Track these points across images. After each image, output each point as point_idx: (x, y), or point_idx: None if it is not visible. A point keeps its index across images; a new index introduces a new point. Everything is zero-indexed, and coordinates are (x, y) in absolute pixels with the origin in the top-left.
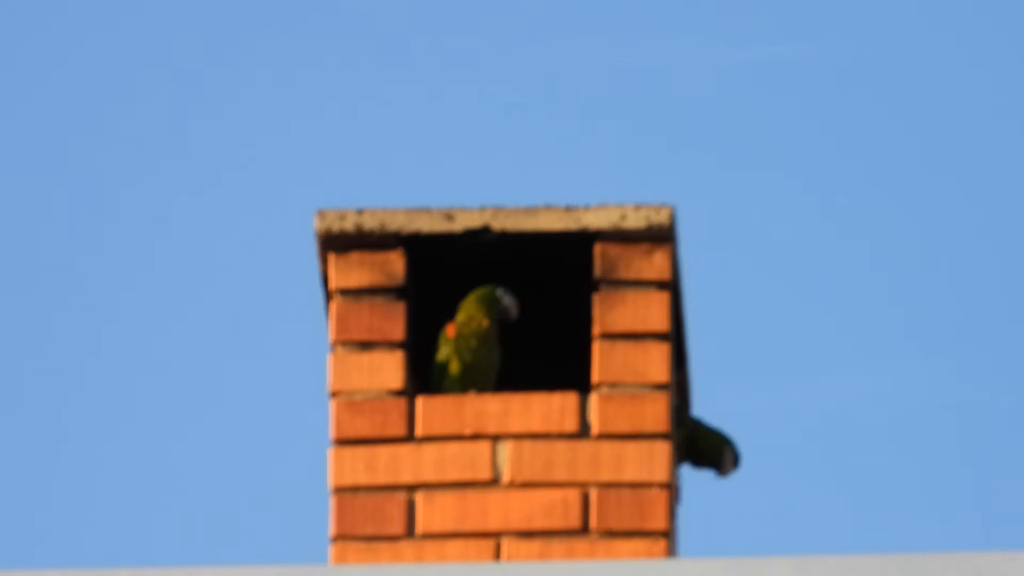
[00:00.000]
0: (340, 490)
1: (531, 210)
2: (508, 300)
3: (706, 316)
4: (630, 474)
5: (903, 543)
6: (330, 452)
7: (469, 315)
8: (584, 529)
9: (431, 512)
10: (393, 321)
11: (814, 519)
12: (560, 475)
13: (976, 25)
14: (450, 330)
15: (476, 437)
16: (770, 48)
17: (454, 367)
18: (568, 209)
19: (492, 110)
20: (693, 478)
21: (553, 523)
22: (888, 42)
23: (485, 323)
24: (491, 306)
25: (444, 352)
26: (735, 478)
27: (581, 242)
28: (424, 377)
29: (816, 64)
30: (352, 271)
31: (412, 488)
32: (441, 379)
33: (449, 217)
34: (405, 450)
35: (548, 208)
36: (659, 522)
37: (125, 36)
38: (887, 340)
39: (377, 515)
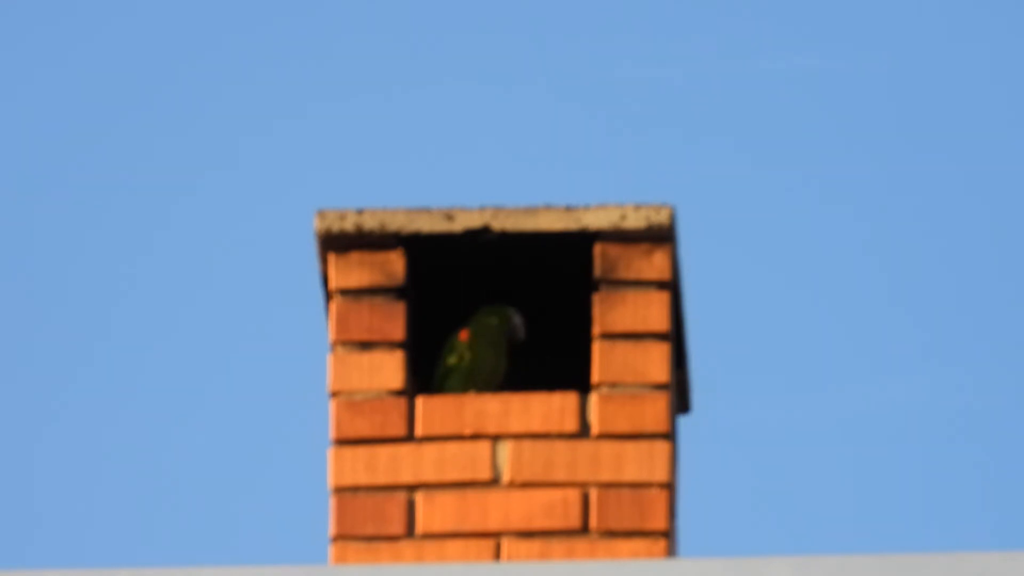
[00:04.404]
0: (340, 490)
1: (531, 210)
2: (517, 320)
3: (706, 316)
4: (630, 474)
5: (904, 543)
6: (330, 452)
7: (482, 323)
8: (584, 529)
9: (431, 512)
10: (393, 321)
11: (814, 519)
12: (560, 475)
13: (986, 35)
14: (463, 335)
15: (476, 437)
16: (772, 54)
17: (462, 370)
18: (568, 209)
19: (492, 110)
20: (694, 478)
21: (553, 523)
22: (897, 48)
23: (498, 333)
24: (503, 320)
25: (454, 356)
26: (737, 478)
27: (581, 242)
28: (423, 378)
29: (823, 71)
30: (352, 271)
31: (412, 488)
32: (444, 381)
33: (449, 217)
34: (405, 450)
35: (548, 208)
36: (659, 522)
37: (124, 35)
38: (885, 343)
39: (377, 515)
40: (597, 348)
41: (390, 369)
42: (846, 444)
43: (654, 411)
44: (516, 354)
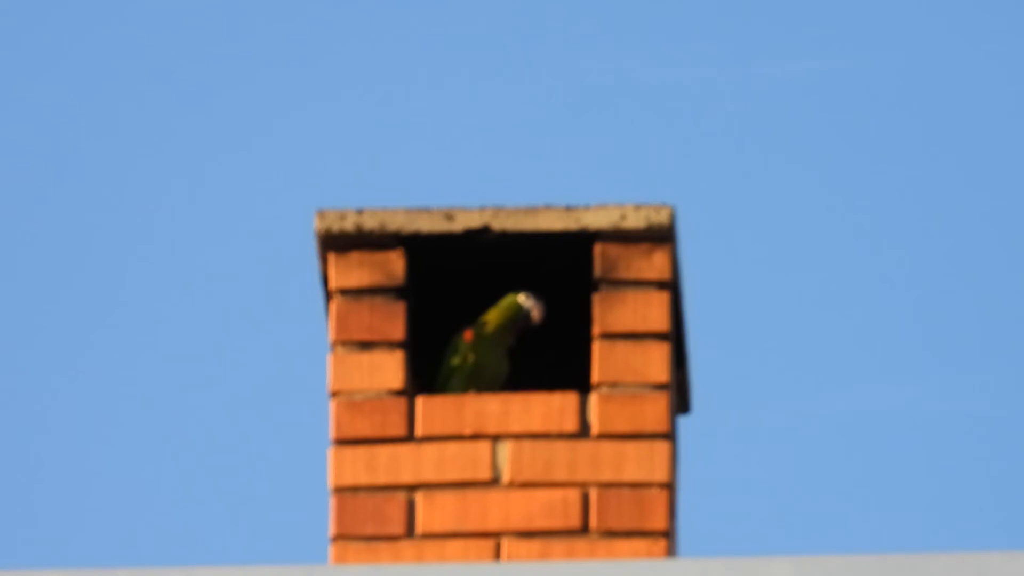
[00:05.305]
0: (340, 490)
1: (531, 210)
2: (528, 303)
3: (706, 316)
4: (630, 474)
5: (904, 543)
6: (330, 452)
7: (487, 321)
8: (584, 529)
9: (431, 512)
10: (393, 321)
11: (814, 519)
12: (560, 475)
13: (986, 37)
14: (467, 335)
15: (476, 437)
16: (772, 57)
17: (465, 372)
18: (568, 209)
19: (492, 110)
20: (694, 478)
21: (553, 523)
22: (895, 51)
23: (504, 331)
24: (510, 316)
25: (458, 357)
26: (737, 478)
27: (581, 242)
28: (424, 377)
29: (822, 73)
30: (352, 271)
31: (412, 488)
32: (447, 382)
33: (449, 217)
34: (405, 450)
35: (548, 208)
36: (659, 522)
37: (124, 35)
38: (884, 344)
39: (377, 515)
40: (597, 348)
41: (390, 369)
42: (846, 444)
43: (654, 411)
44: (516, 354)
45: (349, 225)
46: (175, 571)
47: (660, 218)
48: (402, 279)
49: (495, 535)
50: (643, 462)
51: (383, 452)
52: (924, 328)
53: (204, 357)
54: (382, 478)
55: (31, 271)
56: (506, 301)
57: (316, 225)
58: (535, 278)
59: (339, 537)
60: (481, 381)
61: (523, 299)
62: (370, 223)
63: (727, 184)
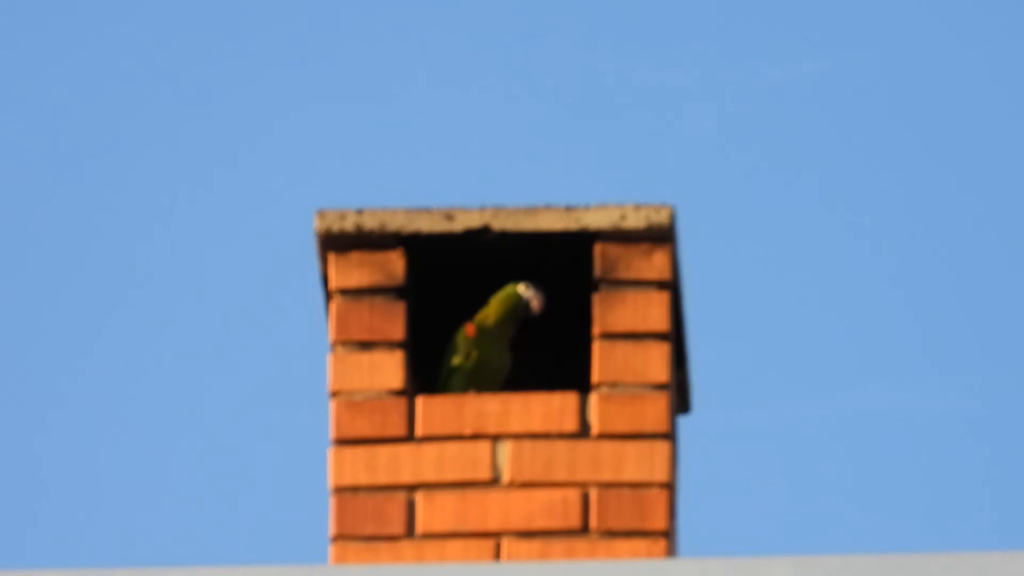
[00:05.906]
0: (340, 490)
1: (531, 210)
2: (528, 293)
3: (706, 316)
4: (630, 474)
5: (904, 543)
6: (330, 452)
7: (487, 314)
8: (584, 529)
9: (431, 512)
10: (393, 321)
11: (814, 519)
12: (560, 475)
13: (987, 38)
14: (469, 329)
15: (476, 437)
16: (772, 59)
17: (467, 370)
18: (568, 209)
19: (492, 110)
20: (694, 478)
21: (553, 523)
22: (896, 52)
23: (505, 323)
24: (511, 307)
25: (459, 355)
26: (737, 478)
27: (581, 242)
28: (423, 378)
29: (822, 73)
30: (352, 271)
31: (412, 488)
32: (450, 380)
33: (449, 217)
34: (405, 450)
35: (548, 208)
36: (659, 522)
37: (125, 35)
38: (884, 345)
39: (377, 515)
40: (597, 348)
41: (390, 369)
42: (845, 445)
43: (654, 411)
44: (517, 347)
45: (349, 225)
46: (175, 571)
47: (660, 218)
48: (402, 279)
49: (495, 535)
50: (643, 462)
51: (383, 452)
52: (923, 329)
53: (204, 357)
54: (382, 478)
55: (31, 272)
56: (505, 292)
57: (316, 225)
58: (535, 278)
59: (339, 537)
60: (484, 376)
61: (523, 289)
62: (370, 223)
63: (727, 184)
